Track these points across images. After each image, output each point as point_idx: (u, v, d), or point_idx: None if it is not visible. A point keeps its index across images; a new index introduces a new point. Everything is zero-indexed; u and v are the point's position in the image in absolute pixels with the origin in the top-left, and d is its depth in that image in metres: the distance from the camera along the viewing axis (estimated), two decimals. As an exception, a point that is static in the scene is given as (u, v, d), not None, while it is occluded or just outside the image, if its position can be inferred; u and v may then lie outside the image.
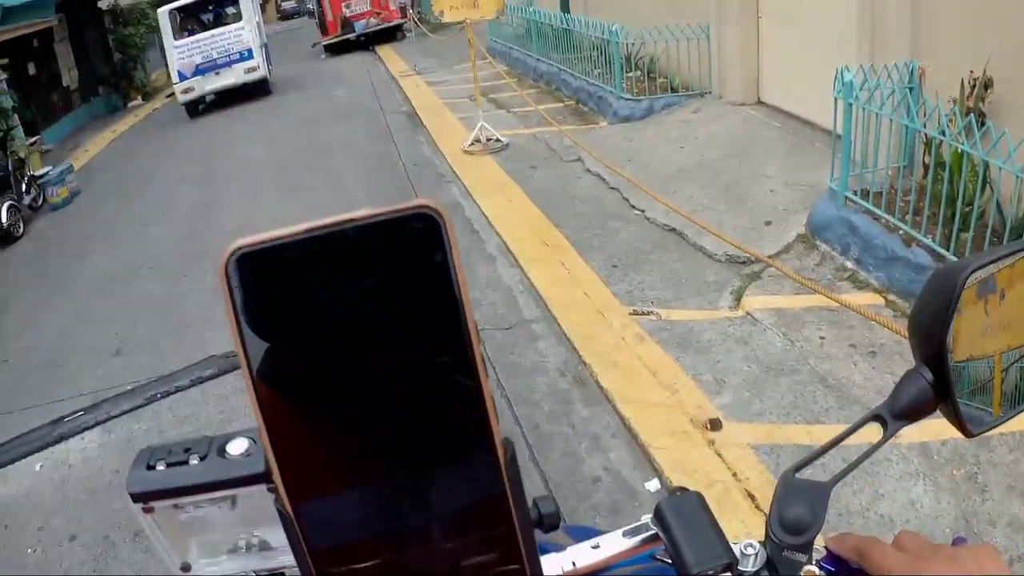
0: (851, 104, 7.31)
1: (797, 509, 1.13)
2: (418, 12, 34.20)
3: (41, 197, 19.09)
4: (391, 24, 35.56)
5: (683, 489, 1.26)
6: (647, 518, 1.24)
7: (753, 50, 11.90)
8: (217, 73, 27.57)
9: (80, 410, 8.40)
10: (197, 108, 28.23)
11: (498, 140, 13.48)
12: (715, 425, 5.62)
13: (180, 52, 28.03)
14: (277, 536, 1.12)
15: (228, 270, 0.82)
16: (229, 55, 27.54)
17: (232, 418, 7.33)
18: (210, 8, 30.73)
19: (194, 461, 1.03)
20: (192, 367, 8.45)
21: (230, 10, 30.06)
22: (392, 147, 15.53)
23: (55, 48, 34.02)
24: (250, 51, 27.63)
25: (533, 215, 10.12)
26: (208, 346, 8.85)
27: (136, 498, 1.05)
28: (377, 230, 0.85)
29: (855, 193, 7.55)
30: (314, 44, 39.30)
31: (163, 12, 28.83)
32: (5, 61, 23.02)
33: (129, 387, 8.53)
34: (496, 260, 9.13)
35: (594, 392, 6.48)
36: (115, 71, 37.64)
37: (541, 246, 9.10)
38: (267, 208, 13.54)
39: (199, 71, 27.66)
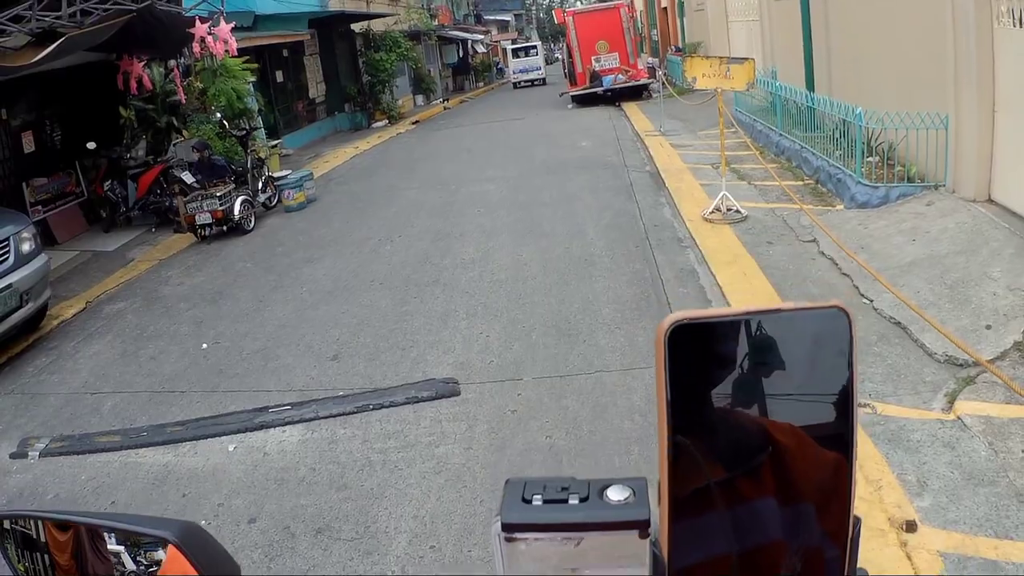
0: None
1: None
2: (665, 73, 34.16)
3: (277, 198, 19.85)
4: (638, 83, 35.85)
5: None
6: None
7: (987, 145, 11.54)
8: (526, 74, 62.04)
9: (287, 404, 8.67)
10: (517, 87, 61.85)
11: (738, 211, 13.38)
12: (911, 527, 5.47)
13: (514, 65, 64.14)
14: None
15: (666, 336, 0.88)
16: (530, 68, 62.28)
17: (440, 442, 7.41)
18: (524, 52, 64.78)
19: (574, 500, 1.06)
20: (409, 385, 8.60)
21: (532, 50, 64.21)
22: (633, 205, 15.50)
23: (305, 61, 35.41)
24: (540, 67, 62.01)
25: (766, 291, 10.00)
26: (428, 368, 8.97)
27: (509, 528, 1.05)
28: (799, 319, 0.93)
29: None
30: (562, 94, 39.92)
31: (509, 49, 69.13)
32: (255, 65, 23.60)
33: (341, 392, 8.71)
34: None
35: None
36: (362, 91, 38.45)
37: None
38: (502, 247, 13.64)
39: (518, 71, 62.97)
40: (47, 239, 15.76)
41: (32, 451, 8.73)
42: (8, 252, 11.84)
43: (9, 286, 11.55)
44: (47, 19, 14.49)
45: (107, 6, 15.78)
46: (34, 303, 12.31)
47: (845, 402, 0.93)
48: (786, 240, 12.03)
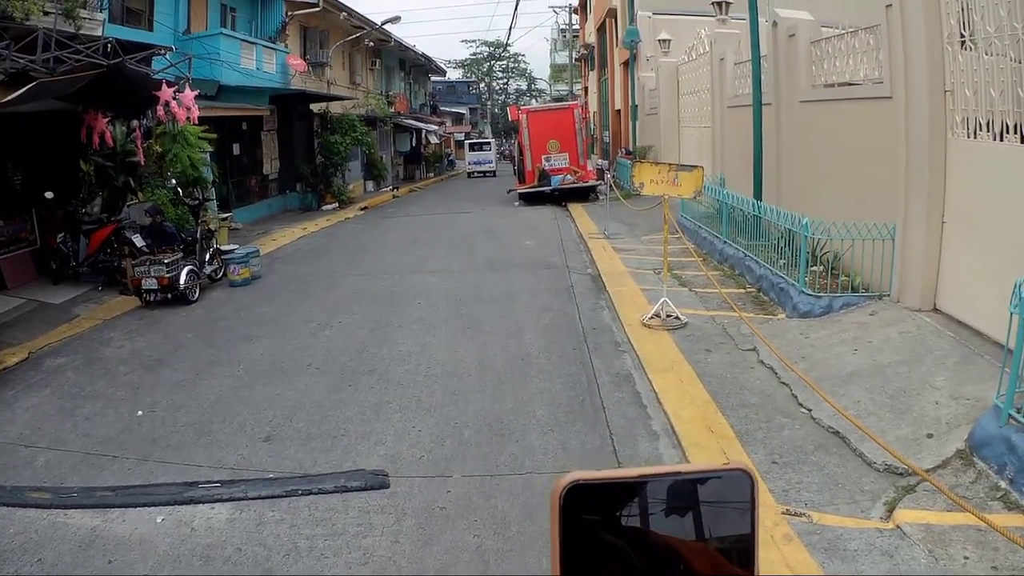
0: (1027, 319, 7.18)
1: None
2: (614, 175, 34.49)
3: (223, 271, 19.89)
4: (586, 184, 36.21)
5: None
6: None
7: (935, 254, 11.81)
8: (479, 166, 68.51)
9: (217, 481, 8.61)
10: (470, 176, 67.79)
11: (677, 318, 13.49)
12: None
13: (470, 157, 70.80)
14: None
15: (562, 496, 0.92)
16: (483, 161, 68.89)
17: (367, 532, 7.40)
18: (479, 146, 72.36)
19: None
20: (339, 474, 8.59)
21: (486, 146, 72.13)
22: (573, 307, 15.63)
23: (262, 136, 35.52)
24: (492, 161, 69.46)
25: (702, 399, 10.02)
26: (359, 459, 8.97)
27: None
28: (700, 482, 0.97)
29: (1019, 411, 7.37)
30: (509, 190, 40.21)
31: (466, 143, 77.33)
32: (214, 135, 23.72)
33: (272, 475, 8.70)
34: (659, 438, 9.08)
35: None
36: (315, 172, 38.71)
37: (706, 431, 9.01)
38: (440, 341, 13.67)
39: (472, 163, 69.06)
40: (-3, 283, 15.33)
41: None
42: None
43: None
44: (21, 61, 14.60)
45: (80, 57, 15.93)
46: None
47: (749, 560, 0.98)
48: (725, 348, 12.14)
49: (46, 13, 17.30)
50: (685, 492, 0.97)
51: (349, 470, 8.67)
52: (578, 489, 0.92)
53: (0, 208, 19.95)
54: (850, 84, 14.67)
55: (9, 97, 14.28)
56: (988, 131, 10.56)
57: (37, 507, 8.27)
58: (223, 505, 8.03)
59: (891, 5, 12.45)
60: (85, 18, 19.21)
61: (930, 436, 8.14)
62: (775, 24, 17.73)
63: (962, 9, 11.00)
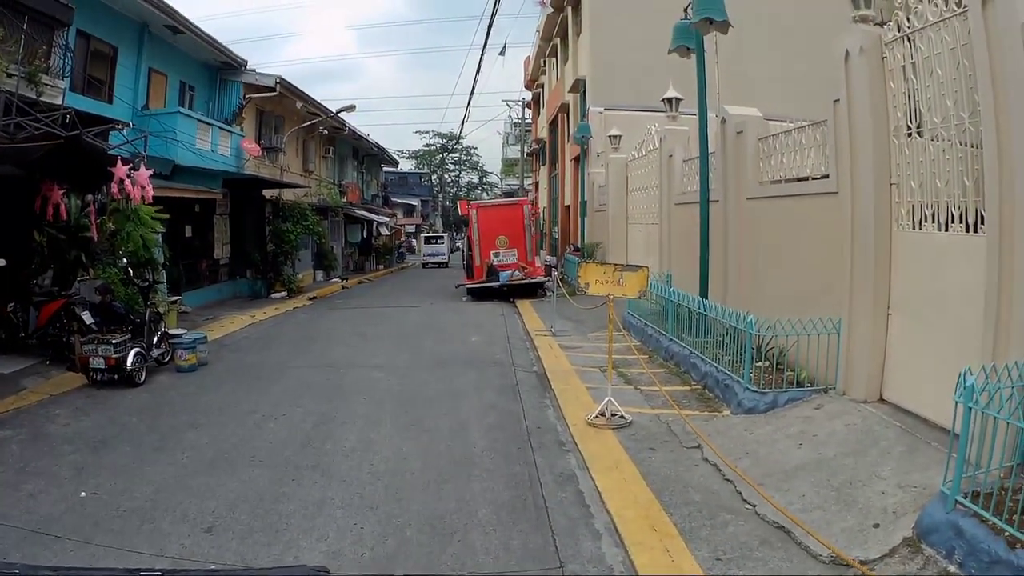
0: (971, 408, 7.34)
1: None
2: (562, 272, 34.74)
3: (170, 356, 19.76)
4: (534, 280, 36.50)
5: None
6: None
7: (880, 345, 12.00)
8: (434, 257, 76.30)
9: (158, 570, 8.31)
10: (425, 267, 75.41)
11: (622, 417, 13.48)
12: None
13: (425, 249, 79.37)
14: None
15: None
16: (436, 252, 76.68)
17: (304, 631, 7.29)
18: (434, 239, 79.94)
19: None
20: (281, 568, 8.23)
21: (440, 239, 79.36)
22: (518, 405, 15.57)
23: (214, 220, 35.59)
24: (445, 253, 77.79)
25: (646, 498, 10.00)
26: (300, 554, 8.85)
27: None
28: None
29: (965, 496, 7.48)
30: (458, 285, 40.61)
31: (422, 237, 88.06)
32: (166, 216, 23.70)
33: (213, 566, 8.53)
34: (602, 538, 9.02)
35: None
36: (265, 259, 38.67)
37: (649, 530, 8.96)
38: (384, 438, 13.54)
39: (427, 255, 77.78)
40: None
41: None
42: None
43: None
44: (-19, 123, 14.57)
45: (39, 125, 15.90)
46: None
47: None
48: (669, 447, 12.16)
49: (9, 75, 17.43)
50: None
51: (290, 564, 8.51)
52: None
53: (-54, 269, 19.69)
54: (797, 180, 14.98)
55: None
56: (933, 222, 10.85)
57: None
58: None
59: (838, 100, 12.77)
60: (47, 84, 19.40)
61: (876, 526, 8.20)
62: (724, 121, 18.04)
63: (909, 99, 11.28)
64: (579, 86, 43.67)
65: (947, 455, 7.91)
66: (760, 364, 13.78)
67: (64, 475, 11.61)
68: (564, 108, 49.42)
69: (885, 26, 11.96)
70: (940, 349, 10.49)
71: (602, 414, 13.59)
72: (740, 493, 9.83)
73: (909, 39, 11.21)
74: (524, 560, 8.44)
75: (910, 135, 11.37)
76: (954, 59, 10.21)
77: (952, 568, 7.18)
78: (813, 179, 14.38)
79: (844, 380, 12.65)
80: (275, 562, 8.56)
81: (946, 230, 10.59)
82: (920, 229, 11.17)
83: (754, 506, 9.32)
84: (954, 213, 10.46)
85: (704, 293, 17.52)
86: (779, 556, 8.07)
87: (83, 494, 10.76)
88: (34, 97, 17.84)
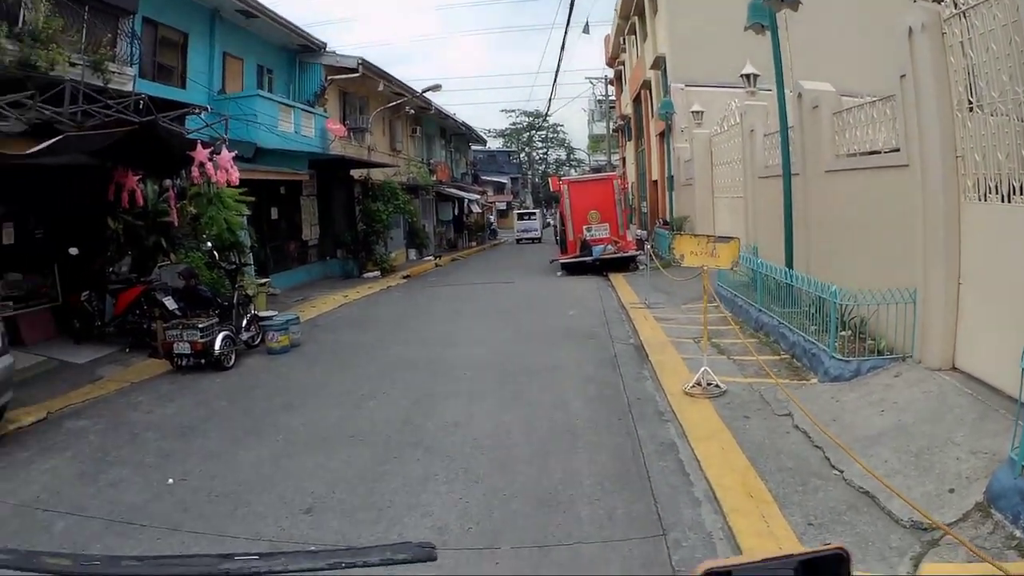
0: (1034, 374, 7.20)
1: None
2: (652, 245, 34.56)
3: (260, 338, 19.72)
4: (627, 254, 36.38)
5: None
6: None
7: (952, 315, 11.87)
8: (527, 233, 78.28)
9: (255, 554, 8.23)
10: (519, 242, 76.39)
11: (717, 386, 13.46)
12: None
13: (518, 225, 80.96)
14: None
15: None
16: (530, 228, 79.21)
17: (410, 609, 7.16)
18: (527, 215, 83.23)
19: None
20: (384, 546, 8.18)
21: (532, 215, 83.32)
22: (617, 377, 15.50)
23: (302, 201, 35.70)
24: (537, 229, 79.67)
25: (741, 465, 9.96)
26: (405, 531, 8.73)
27: None
28: (807, 563, 1.09)
29: None
30: (552, 260, 40.60)
31: (514, 213, 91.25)
32: (251, 199, 23.70)
33: (313, 547, 8.40)
34: (701, 505, 9.01)
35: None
36: (356, 239, 38.63)
37: (746, 496, 8.96)
38: (486, 412, 13.45)
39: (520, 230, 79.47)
40: (12, 338, 15.42)
41: None
42: None
43: None
44: (47, 112, 14.62)
45: (110, 112, 15.92)
46: (-7, 404, 12.08)
47: None
48: (762, 414, 12.06)
49: (72, 64, 17.42)
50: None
51: (395, 542, 8.13)
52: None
53: (19, 262, 19.97)
54: (870, 153, 14.76)
55: (33, 149, 14.30)
56: (996, 194, 10.66)
57: (52, 573, 8.00)
58: None
59: (904, 76, 12.60)
60: (114, 72, 19.40)
61: (951, 491, 8.20)
62: (800, 96, 17.82)
63: (968, 75, 11.08)
64: (659, 63, 43.38)
65: (1014, 422, 7.85)
66: (843, 333, 13.64)
67: (149, 463, 11.56)
68: (646, 85, 49.08)
69: (943, 3, 11.75)
70: (1006, 319, 10.35)
71: (698, 383, 13.55)
72: (828, 459, 9.76)
73: (964, 15, 11.08)
74: (628, 529, 8.41)
75: (971, 109, 11.21)
76: (1007, 35, 10.05)
77: (1018, 533, 7.17)
78: (885, 152, 14.19)
79: (920, 349, 12.51)
80: (379, 540, 8.45)
81: (1008, 201, 10.41)
82: (985, 200, 11.00)
83: (841, 472, 9.29)
84: (1014, 185, 10.23)
85: (790, 264, 17.46)
86: (864, 520, 8.02)
87: (170, 481, 10.68)
88: (101, 85, 17.83)
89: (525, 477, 10.21)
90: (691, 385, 13.60)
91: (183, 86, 27.35)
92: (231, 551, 8.12)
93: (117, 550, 8.48)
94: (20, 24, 16.69)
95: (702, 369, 13.66)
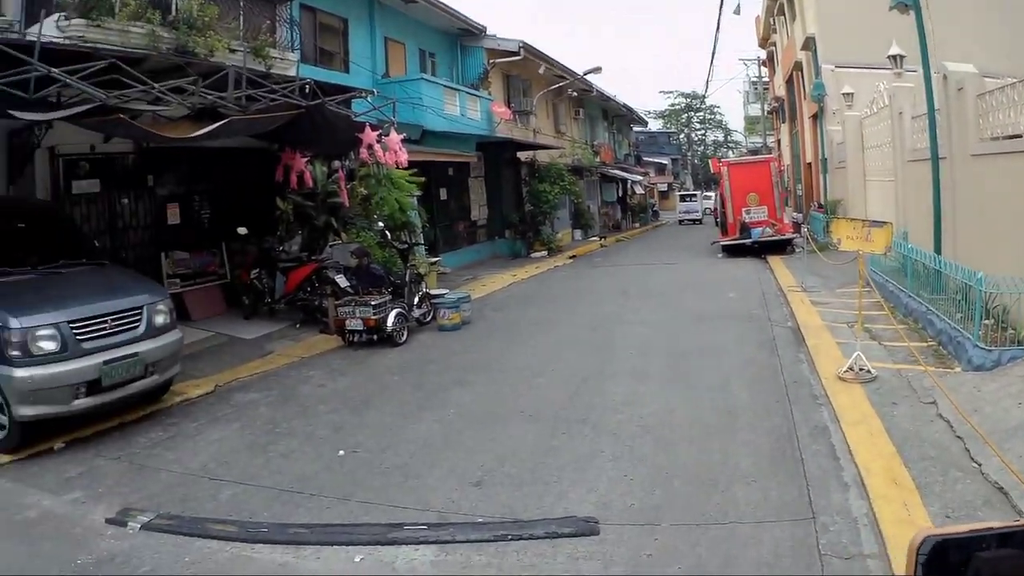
0: None
1: None
2: (808, 228, 34.45)
3: (431, 315, 20.12)
4: (784, 237, 36.02)
5: None
6: None
7: None
8: (689, 214, 77.54)
9: (423, 524, 8.54)
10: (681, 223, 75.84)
11: (868, 371, 13.43)
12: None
13: (680, 207, 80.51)
14: None
15: (918, 549, 1.13)
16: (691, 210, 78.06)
17: (574, 582, 7.27)
18: (688, 197, 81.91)
19: None
20: (549, 520, 8.50)
21: (693, 197, 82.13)
22: (775, 359, 15.54)
23: (469, 182, 36.04)
24: (698, 211, 78.10)
25: (888, 451, 9.96)
26: (570, 505, 8.89)
27: None
28: (1003, 535, 1.16)
29: None
30: (713, 242, 40.13)
31: (677, 195, 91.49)
32: (421, 179, 24.27)
33: (480, 519, 8.63)
34: (849, 489, 9.03)
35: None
36: (523, 219, 39.14)
37: (891, 483, 8.95)
38: (651, 392, 13.55)
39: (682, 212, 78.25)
40: (180, 314, 16.13)
41: (133, 521, 8.90)
42: (139, 321, 12.45)
43: (135, 355, 12.15)
44: (209, 96, 15.07)
45: (275, 96, 16.32)
46: (159, 376, 12.86)
47: None
48: (909, 401, 12.01)
49: (232, 51, 17.99)
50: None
51: (560, 516, 8.58)
52: (938, 545, 1.08)
53: (187, 241, 20.72)
54: (1012, 137, 14.53)
55: (198, 132, 14.95)
56: None
57: (218, 539, 8.46)
58: (428, 547, 8.03)
59: None
60: (276, 58, 19.96)
61: None
62: (945, 77, 17.59)
63: None
64: (809, 44, 42.68)
65: None
66: (987, 322, 13.43)
67: (320, 434, 12.02)
68: (797, 66, 48.15)
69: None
70: None
71: (851, 368, 13.56)
72: (968, 451, 9.65)
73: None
74: (781, 511, 8.49)
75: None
76: None
77: None
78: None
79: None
80: (545, 514, 8.68)
81: None
82: None
83: (980, 465, 9.17)
84: None
85: (938, 249, 17.19)
86: (995, 517, 7.72)
87: (341, 452, 11.09)
88: (263, 70, 18.33)
89: (687, 456, 10.34)
90: (844, 370, 13.62)
91: (346, 70, 27.89)
92: (401, 521, 8.47)
93: (285, 519, 8.94)
94: (173, 12, 17.36)
95: (855, 354, 13.66)
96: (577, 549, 7.81)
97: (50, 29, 15.07)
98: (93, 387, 11.71)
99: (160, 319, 12.92)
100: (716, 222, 45.79)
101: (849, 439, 10.55)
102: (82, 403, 11.70)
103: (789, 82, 54.73)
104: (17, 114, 12.74)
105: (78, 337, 11.62)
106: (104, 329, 11.99)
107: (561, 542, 7.98)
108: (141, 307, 12.59)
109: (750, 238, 36.05)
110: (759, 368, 14.98)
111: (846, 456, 10.07)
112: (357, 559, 7.87)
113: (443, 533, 8.31)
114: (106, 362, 11.78)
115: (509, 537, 8.11)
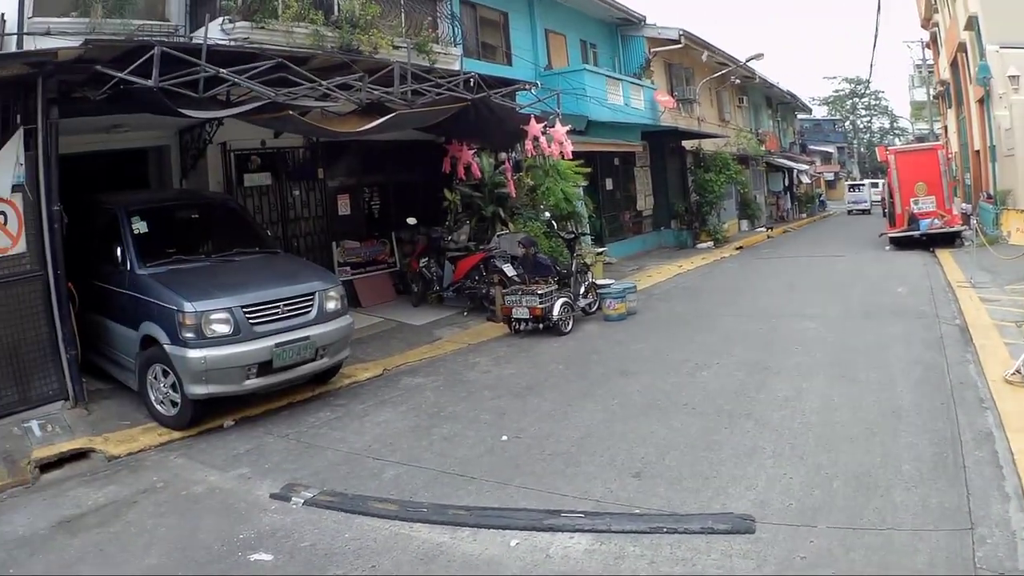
0: None
1: None
2: (977, 220, 33.47)
3: (597, 305, 20.06)
4: (952, 229, 34.54)
5: None
6: None
7: None
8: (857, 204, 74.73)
9: (580, 512, 8.56)
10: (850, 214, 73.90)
11: (1034, 374, 13.04)
12: None
13: (848, 197, 77.37)
14: None
15: None
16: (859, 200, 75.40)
17: (727, 576, 7.30)
18: (856, 187, 78.77)
19: None
20: (707, 515, 8.42)
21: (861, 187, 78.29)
22: (942, 359, 14.97)
23: (635, 172, 36.00)
24: (866, 200, 73.33)
25: (1051, 464, 9.65)
26: (729, 501, 8.78)
27: None
28: None
29: None
30: (881, 234, 39.23)
31: (847, 184, 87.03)
32: (587, 170, 24.41)
33: (637, 510, 8.60)
34: (1011, 501, 8.65)
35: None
36: (689, 209, 38.74)
37: None
38: (815, 389, 13.25)
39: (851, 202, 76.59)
40: (351, 301, 16.75)
41: (297, 497, 9.26)
42: (311, 306, 12.93)
43: (306, 338, 12.62)
44: (376, 92, 15.38)
45: (440, 90, 16.64)
46: (329, 359, 13.30)
47: None
48: (1075, 408, 11.61)
49: (396, 47, 18.53)
50: None
51: (717, 512, 8.49)
52: None
53: (357, 231, 21.52)
54: None
55: (364, 127, 15.40)
56: None
57: (379, 517, 8.70)
58: (583, 535, 8.01)
59: None
60: (439, 53, 20.52)
61: None
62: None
63: None
64: (972, 24, 40.70)
65: None
66: None
67: (484, 419, 12.16)
68: (961, 48, 46.42)
69: None
70: None
71: (1018, 371, 12.96)
72: None
73: None
74: (940, 519, 8.22)
75: None
76: None
77: None
78: None
79: None
80: (702, 509, 8.60)
81: None
82: None
83: None
84: None
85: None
86: None
87: (504, 438, 11.20)
88: (427, 65, 18.62)
89: (848, 457, 10.10)
90: (1011, 372, 13.04)
91: (509, 63, 28.28)
92: (558, 508, 8.53)
93: (445, 500, 9.09)
94: (336, 12, 17.99)
95: (1023, 356, 13.14)
96: (731, 546, 7.75)
97: (215, 32, 15.84)
98: (264, 368, 12.23)
99: (331, 305, 13.35)
100: (884, 212, 44.61)
101: (1013, 447, 10.17)
102: (253, 383, 12.26)
103: (953, 65, 52.82)
104: (189, 112, 13.15)
105: (251, 321, 12.13)
106: (276, 314, 12.49)
107: (716, 538, 7.91)
108: (313, 293, 13.04)
109: (919, 230, 34.91)
110: (925, 368, 14.49)
111: (1009, 465, 9.68)
112: (513, 543, 7.93)
113: (599, 522, 8.31)
114: (277, 345, 12.27)
115: (664, 530, 8.07)
